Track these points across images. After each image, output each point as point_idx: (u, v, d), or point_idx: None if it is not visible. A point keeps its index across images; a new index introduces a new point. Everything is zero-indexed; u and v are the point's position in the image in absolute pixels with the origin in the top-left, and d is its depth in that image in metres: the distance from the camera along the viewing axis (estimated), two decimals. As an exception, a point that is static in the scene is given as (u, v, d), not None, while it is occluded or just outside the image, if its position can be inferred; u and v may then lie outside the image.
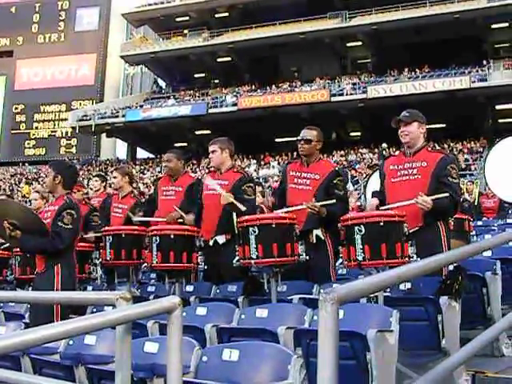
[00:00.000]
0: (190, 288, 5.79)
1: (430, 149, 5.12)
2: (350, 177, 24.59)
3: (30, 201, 10.37)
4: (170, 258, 5.40)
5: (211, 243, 5.87)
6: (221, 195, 5.68)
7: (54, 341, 2.05)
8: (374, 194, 5.29)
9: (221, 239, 5.83)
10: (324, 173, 5.59)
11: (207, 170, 6.97)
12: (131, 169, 11.17)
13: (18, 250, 6.72)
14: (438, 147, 22.06)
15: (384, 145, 18.33)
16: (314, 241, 5.45)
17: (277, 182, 30.87)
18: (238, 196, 5.75)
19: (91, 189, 8.69)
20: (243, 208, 5.50)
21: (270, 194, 7.14)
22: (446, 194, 4.73)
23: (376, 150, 33.92)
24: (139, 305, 2.36)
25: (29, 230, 5.22)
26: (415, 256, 4.44)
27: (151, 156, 43.66)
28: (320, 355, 1.82)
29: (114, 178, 7.61)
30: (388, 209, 4.84)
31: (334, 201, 5.31)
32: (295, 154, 32.35)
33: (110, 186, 8.66)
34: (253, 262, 4.88)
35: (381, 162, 5.60)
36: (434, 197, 4.70)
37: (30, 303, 5.33)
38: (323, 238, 5.49)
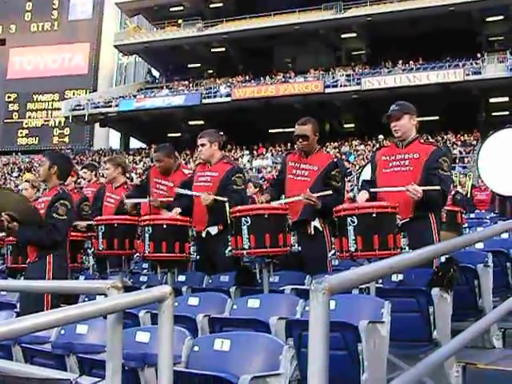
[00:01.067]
0: (182, 278, 5.78)
1: (422, 141, 5.12)
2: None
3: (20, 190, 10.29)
4: (162, 248, 5.39)
5: (204, 234, 5.87)
6: (201, 197, 5.70)
7: (44, 330, 2.04)
8: (364, 184, 5.29)
9: (213, 230, 5.83)
10: (322, 164, 5.60)
11: (197, 163, 6.94)
12: (124, 158, 11.09)
13: (11, 239, 6.72)
14: (431, 139, 22.20)
15: (381, 136, 18.28)
16: (313, 232, 5.46)
17: (270, 172, 30.93)
18: (228, 187, 5.78)
19: (83, 178, 8.63)
20: (225, 198, 5.53)
21: (265, 189, 7.10)
22: (438, 188, 4.73)
23: (370, 142, 34.01)
24: (130, 294, 2.36)
25: (26, 221, 5.21)
26: (407, 247, 4.44)
27: (144, 146, 43.56)
28: (311, 345, 1.82)
29: (107, 169, 7.54)
30: (376, 193, 4.87)
31: (331, 192, 5.31)
32: (289, 144, 32.43)
33: (103, 176, 8.62)
34: (245, 252, 4.88)
35: (373, 153, 5.60)
36: (425, 188, 4.71)
37: (20, 292, 5.31)
38: (321, 228, 5.50)
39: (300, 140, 5.65)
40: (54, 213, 5.24)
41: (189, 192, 5.90)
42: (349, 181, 20.88)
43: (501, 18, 35.70)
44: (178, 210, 5.85)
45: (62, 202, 5.27)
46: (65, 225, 5.30)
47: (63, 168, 5.56)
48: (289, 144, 32.57)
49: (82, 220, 7.22)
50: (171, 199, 6.20)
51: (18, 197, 6.06)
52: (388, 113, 5.08)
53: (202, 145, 6.03)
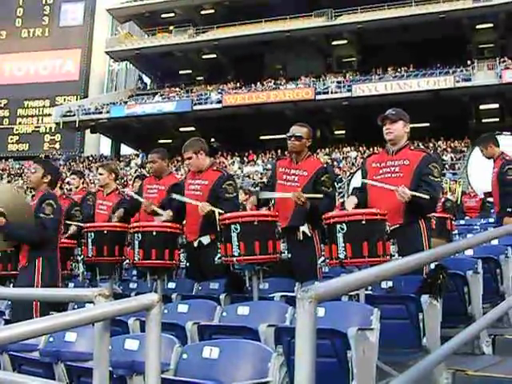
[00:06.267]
0: (171, 285, 5.77)
1: (412, 148, 5.13)
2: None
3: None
4: (151, 255, 5.37)
5: (196, 244, 5.84)
6: (198, 206, 5.67)
7: (31, 338, 2.02)
8: (354, 191, 5.30)
9: (205, 240, 5.80)
10: (312, 169, 5.61)
11: (187, 170, 6.93)
12: (116, 165, 11.19)
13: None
14: (421, 146, 22.27)
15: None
16: (301, 238, 5.45)
17: (261, 179, 30.92)
18: (220, 195, 5.77)
19: (69, 184, 8.62)
20: (221, 211, 5.47)
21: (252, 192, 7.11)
22: (427, 197, 4.73)
23: (360, 149, 34.10)
24: (117, 302, 2.34)
25: (14, 218, 5.20)
26: (397, 255, 4.44)
27: (135, 152, 43.49)
28: (297, 353, 1.82)
29: (100, 174, 7.55)
30: (366, 200, 4.89)
31: (321, 196, 5.31)
32: (279, 151, 32.43)
33: (93, 183, 8.61)
34: (234, 259, 4.88)
35: (363, 160, 5.62)
36: (414, 193, 4.71)
37: (10, 300, 5.29)
38: (310, 234, 5.48)
39: (292, 139, 5.66)
40: (41, 213, 5.29)
41: (187, 199, 5.88)
42: (339, 187, 20.91)
43: (490, 25, 35.89)
44: (170, 212, 5.85)
45: (47, 201, 5.36)
46: (53, 224, 5.36)
47: (55, 178, 5.71)
48: (279, 150, 32.60)
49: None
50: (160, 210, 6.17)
51: (9, 192, 6.06)
52: (384, 114, 5.10)
53: (189, 158, 6.02)
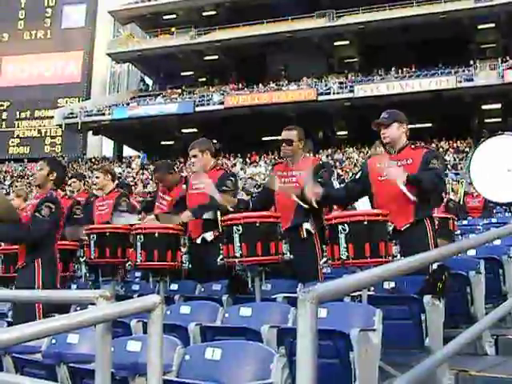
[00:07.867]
0: (174, 286, 5.76)
1: (413, 146, 5.12)
2: (335, 175, 24.76)
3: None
4: (154, 257, 5.37)
5: (199, 241, 5.84)
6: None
7: (33, 340, 2.02)
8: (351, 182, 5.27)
9: (209, 236, 5.80)
10: (309, 168, 5.58)
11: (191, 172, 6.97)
12: (113, 167, 11.25)
13: (2, 248, 6.69)
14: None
15: (377, 141, 18.25)
16: (305, 235, 5.42)
17: (264, 179, 30.92)
18: (219, 189, 5.74)
19: (72, 191, 8.62)
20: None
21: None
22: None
23: (363, 149, 34.08)
24: (119, 304, 2.35)
25: (2, 217, 5.17)
26: (399, 255, 4.44)
27: (138, 154, 43.52)
28: (299, 354, 1.81)
29: (97, 178, 7.62)
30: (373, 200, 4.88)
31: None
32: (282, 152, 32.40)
33: (94, 184, 8.63)
34: (237, 260, 4.87)
35: (364, 160, 5.61)
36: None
37: (11, 301, 5.28)
38: (313, 231, 5.45)
39: (284, 144, 5.65)
40: (37, 212, 5.25)
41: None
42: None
43: (492, 25, 35.90)
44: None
45: (46, 204, 5.29)
46: (45, 225, 5.27)
47: (60, 176, 5.65)
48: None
49: (74, 224, 7.21)
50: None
51: None
52: (377, 120, 5.11)
53: (194, 156, 6.03)
